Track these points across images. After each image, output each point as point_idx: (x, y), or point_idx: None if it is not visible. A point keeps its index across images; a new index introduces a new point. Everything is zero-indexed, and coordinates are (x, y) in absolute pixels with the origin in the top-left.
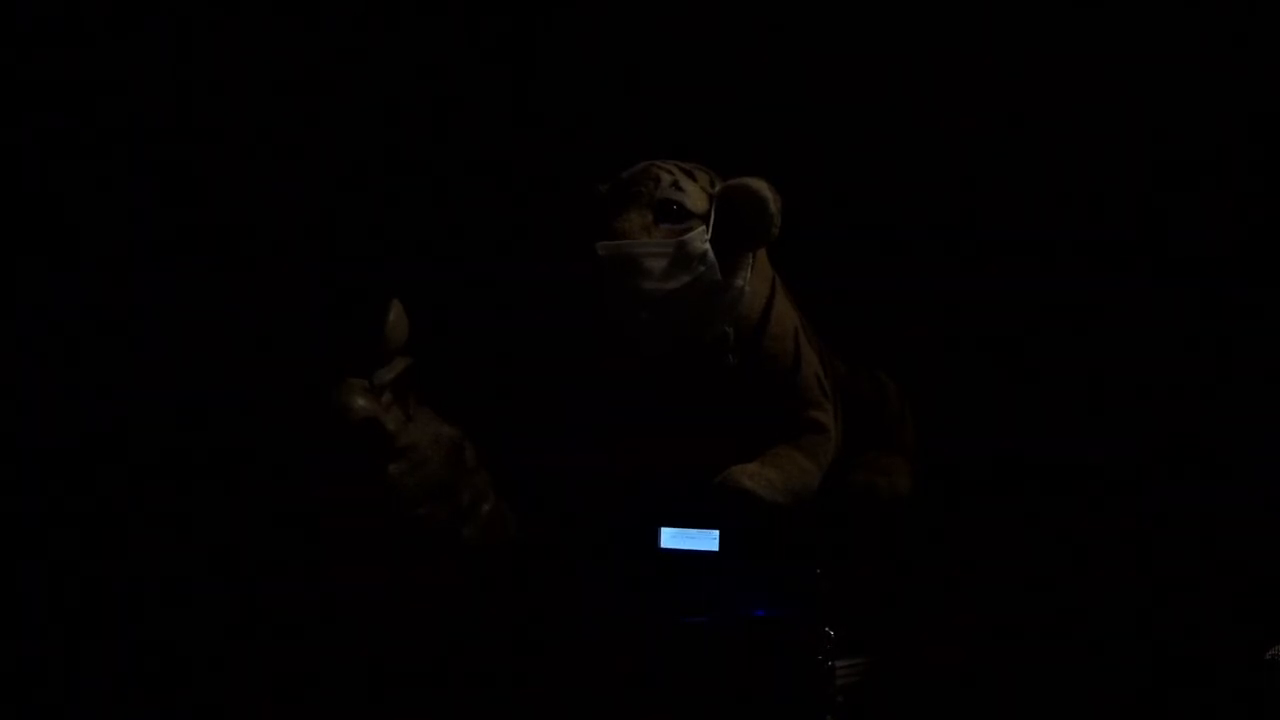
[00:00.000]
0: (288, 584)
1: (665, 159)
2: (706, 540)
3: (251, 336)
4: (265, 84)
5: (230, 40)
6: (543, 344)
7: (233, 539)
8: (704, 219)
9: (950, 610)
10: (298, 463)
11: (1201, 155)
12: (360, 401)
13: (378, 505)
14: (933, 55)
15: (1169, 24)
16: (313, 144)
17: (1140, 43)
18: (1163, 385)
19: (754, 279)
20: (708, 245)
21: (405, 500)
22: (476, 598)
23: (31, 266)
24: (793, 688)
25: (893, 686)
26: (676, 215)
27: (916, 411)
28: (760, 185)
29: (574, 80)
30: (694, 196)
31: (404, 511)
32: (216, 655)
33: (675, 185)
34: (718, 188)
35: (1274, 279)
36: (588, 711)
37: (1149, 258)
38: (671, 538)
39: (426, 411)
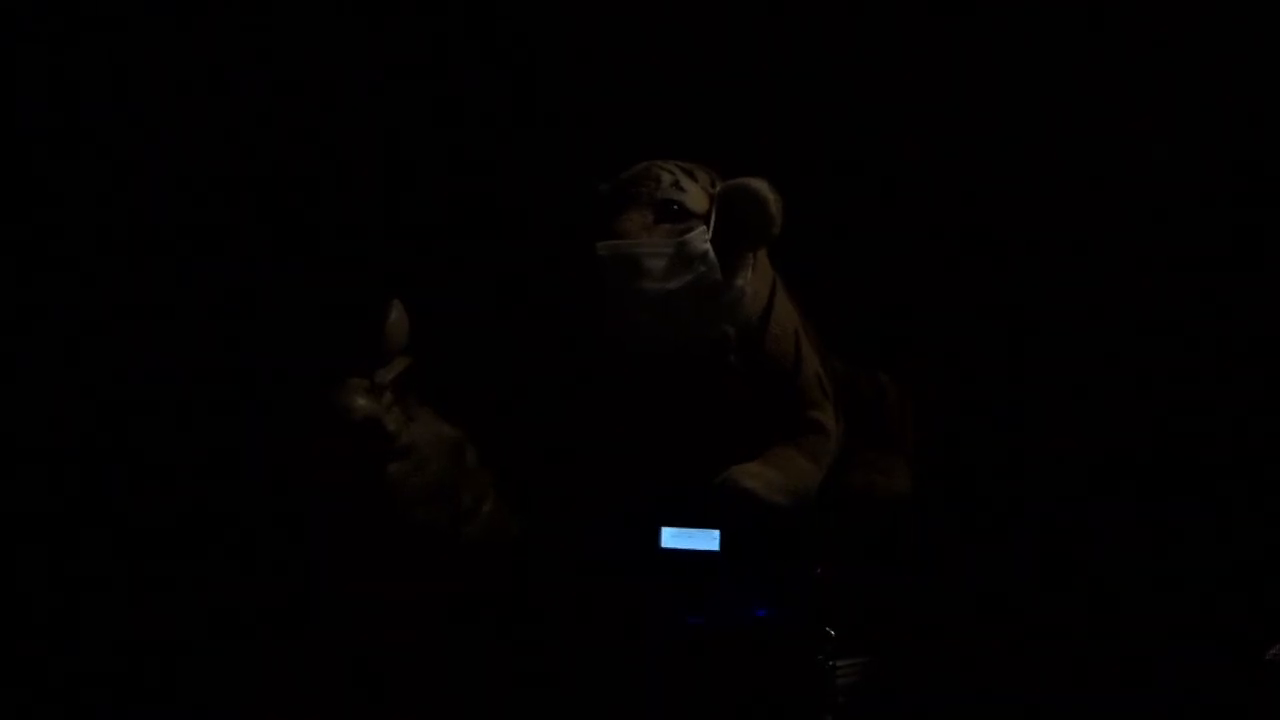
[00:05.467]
0: (288, 584)
1: (665, 159)
2: (707, 540)
3: (251, 336)
4: (266, 82)
5: (230, 38)
6: (543, 344)
7: (232, 539)
8: (704, 219)
9: (950, 610)
10: (299, 463)
11: (1198, 155)
12: (361, 401)
13: (379, 505)
14: (933, 54)
15: (1168, 23)
16: (312, 143)
17: (1139, 42)
18: (1164, 384)
19: (754, 279)
20: (708, 245)
21: (406, 500)
22: (477, 598)
23: (30, 265)
24: (793, 688)
25: (893, 686)
26: (677, 215)
27: (916, 411)
28: (760, 185)
29: (574, 80)
30: (694, 196)
31: (405, 511)
32: (217, 656)
33: (676, 185)
34: (718, 187)
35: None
36: (589, 711)
37: (1150, 257)
38: (672, 538)
39: (427, 411)
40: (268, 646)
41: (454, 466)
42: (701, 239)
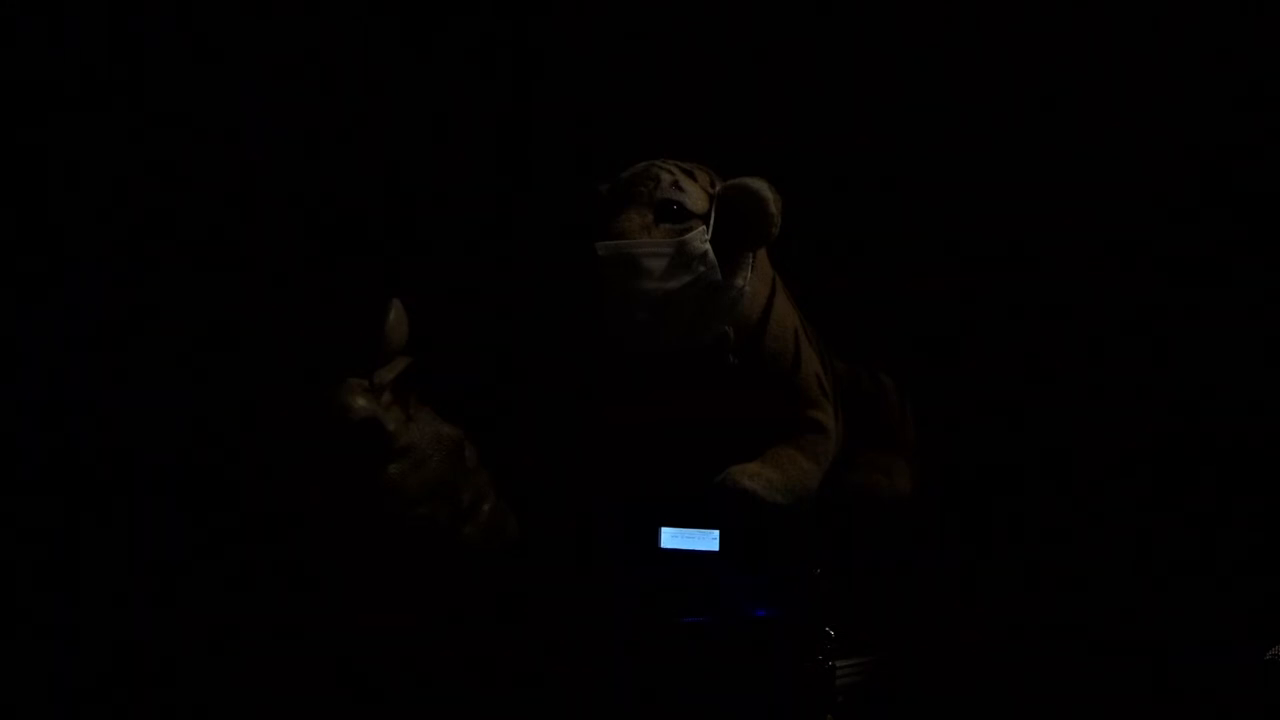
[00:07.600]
0: (287, 585)
1: (665, 159)
2: (706, 540)
3: (251, 337)
4: (266, 83)
5: (231, 38)
6: (543, 344)
7: (232, 540)
8: (704, 219)
9: (950, 610)
10: (298, 463)
11: (1196, 155)
12: (360, 401)
13: (378, 505)
14: (932, 55)
15: (1168, 22)
16: (313, 143)
17: (1138, 42)
18: (1163, 384)
19: (754, 279)
20: (708, 245)
21: (405, 500)
22: (476, 598)
23: (28, 266)
24: (793, 688)
25: (893, 686)
26: (676, 215)
27: (916, 411)
28: (760, 185)
29: (574, 81)
30: (694, 196)
31: (404, 511)
32: (217, 657)
33: (675, 185)
34: (718, 188)
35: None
36: (588, 711)
37: (1149, 257)
38: (671, 538)
39: (427, 411)
40: (267, 647)
41: (454, 466)
42: (701, 239)
